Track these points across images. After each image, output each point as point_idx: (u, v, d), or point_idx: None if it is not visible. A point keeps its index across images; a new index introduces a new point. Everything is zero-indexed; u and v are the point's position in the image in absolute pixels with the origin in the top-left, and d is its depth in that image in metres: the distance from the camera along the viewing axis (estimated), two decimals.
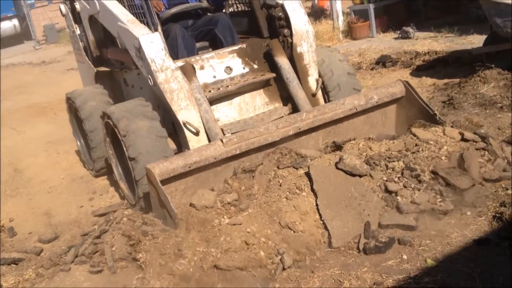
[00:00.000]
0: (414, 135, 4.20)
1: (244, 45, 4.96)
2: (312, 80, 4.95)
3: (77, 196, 5.46)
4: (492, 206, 3.61)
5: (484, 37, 7.42)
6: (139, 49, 4.30)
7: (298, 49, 4.85)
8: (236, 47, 4.93)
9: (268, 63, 4.97)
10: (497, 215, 3.48)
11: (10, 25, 25.49)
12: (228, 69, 4.79)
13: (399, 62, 8.56)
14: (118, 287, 3.44)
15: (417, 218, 3.56)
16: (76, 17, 6.11)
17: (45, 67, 16.39)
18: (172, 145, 4.57)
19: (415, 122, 4.48)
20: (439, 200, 3.67)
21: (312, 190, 3.67)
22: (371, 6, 10.91)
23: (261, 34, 5.12)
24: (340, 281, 3.17)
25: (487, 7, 6.42)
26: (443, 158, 3.90)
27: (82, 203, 5.24)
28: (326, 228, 3.51)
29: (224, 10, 5.71)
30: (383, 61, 8.72)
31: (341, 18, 11.92)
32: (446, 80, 7.11)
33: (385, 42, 10.18)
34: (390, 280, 3.07)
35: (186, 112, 4.35)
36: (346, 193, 3.67)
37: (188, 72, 4.47)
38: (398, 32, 10.36)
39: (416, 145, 4.06)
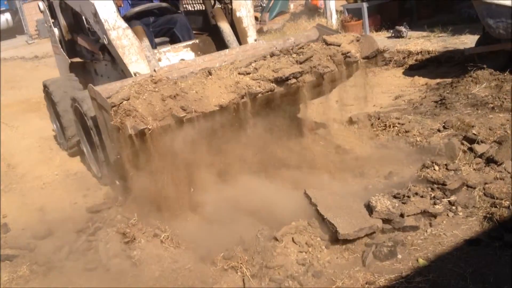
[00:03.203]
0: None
1: (197, 41, 5.54)
2: (251, 41, 5.43)
3: (71, 192, 5.43)
4: (482, 206, 3.66)
5: (476, 37, 7.49)
6: (95, 14, 4.75)
7: (237, 14, 5.43)
8: (190, 42, 5.51)
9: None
10: (488, 215, 3.53)
11: (2, 19, 25.27)
12: (182, 60, 5.13)
13: (392, 61, 8.61)
14: (111, 285, 3.46)
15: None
16: (53, 12, 6.64)
17: (37, 62, 16.29)
18: None
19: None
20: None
21: (311, 203, 3.78)
22: (365, 5, 10.93)
23: (213, 30, 5.62)
24: (333, 280, 3.21)
25: (479, 7, 6.47)
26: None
27: (76, 200, 5.22)
28: (329, 226, 3.55)
29: (180, 9, 6.39)
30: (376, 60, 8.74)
31: (334, 16, 11.94)
32: (438, 80, 7.17)
33: (378, 41, 10.05)
34: (382, 280, 3.12)
35: (137, 65, 4.75)
36: (344, 204, 3.75)
37: (139, 34, 5.00)
38: (391, 31, 10.41)
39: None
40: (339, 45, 4.65)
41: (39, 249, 4.20)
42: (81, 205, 5.07)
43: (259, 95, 4.24)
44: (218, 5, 5.65)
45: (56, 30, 6.72)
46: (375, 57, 4.86)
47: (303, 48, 4.55)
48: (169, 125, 3.88)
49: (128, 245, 3.72)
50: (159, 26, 5.83)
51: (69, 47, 6.66)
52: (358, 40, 4.80)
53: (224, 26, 5.42)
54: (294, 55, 4.49)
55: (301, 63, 4.43)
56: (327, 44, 4.66)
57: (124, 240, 3.76)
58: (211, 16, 5.69)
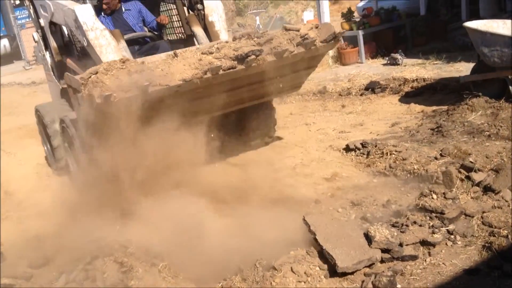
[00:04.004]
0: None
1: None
2: None
3: (68, 219, 5.40)
4: (481, 235, 3.67)
5: (471, 64, 7.57)
6: (76, 20, 5.05)
7: (210, 19, 5.89)
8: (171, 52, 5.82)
9: None
10: (487, 244, 3.53)
11: (0, 45, 25.43)
12: None
13: (388, 88, 8.68)
14: None
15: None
16: (46, 41, 6.88)
17: (35, 88, 16.31)
18: None
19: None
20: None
21: (310, 231, 3.78)
22: (360, 33, 11.06)
23: None
24: None
25: (474, 36, 6.55)
26: None
27: (73, 227, 5.19)
28: (327, 257, 3.53)
29: (164, 38, 6.75)
30: (372, 87, 8.84)
31: None
32: (434, 107, 7.23)
33: (374, 68, 10.32)
34: None
35: None
36: (343, 233, 3.74)
37: (117, 36, 5.29)
38: (387, 58, 10.50)
39: None
40: (298, 30, 5.09)
41: (36, 279, 4.14)
42: (78, 233, 5.02)
43: (221, 71, 4.59)
44: (192, 13, 6.14)
45: (48, 58, 6.95)
46: (333, 40, 5.20)
47: (263, 35, 5.04)
48: (134, 96, 4.20)
49: (125, 275, 3.69)
50: (143, 53, 5.99)
51: (60, 72, 6.81)
52: (317, 27, 5.26)
53: (198, 31, 5.87)
54: (255, 39, 4.97)
55: (261, 45, 4.86)
56: (287, 30, 5.13)
57: (122, 269, 3.73)
58: (185, 23, 6.23)
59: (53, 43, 6.67)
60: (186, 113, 5.04)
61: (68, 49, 6.68)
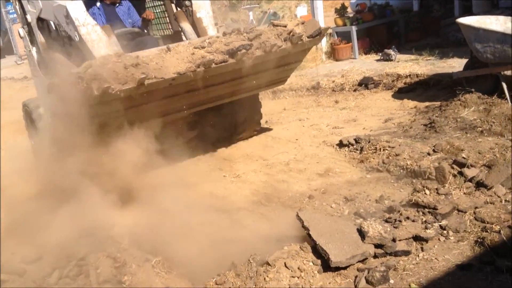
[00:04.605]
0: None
1: None
2: None
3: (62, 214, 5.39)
4: (473, 231, 3.69)
5: (464, 60, 7.60)
6: (67, 16, 5.09)
7: (198, 15, 6.00)
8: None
9: None
10: (479, 240, 3.55)
11: None
12: None
13: (381, 84, 8.71)
14: None
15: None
16: (32, 37, 6.89)
17: (26, 82, 16.23)
18: None
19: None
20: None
21: (303, 226, 3.78)
22: (354, 28, 11.06)
23: None
24: None
25: (467, 32, 6.57)
26: None
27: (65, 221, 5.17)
28: (321, 252, 3.54)
29: (150, 34, 6.90)
30: (365, 83, 8.85)
31: (324, 39, 12.05)
32: (427, 103, 7.24)
33: (367, 64, 10.33)
34: None
35: None
36: (336, 228, 3.74)
37: (107, 31, 5.33)
38: (380, 54, 10.52)
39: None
40: (285, 26, 5.35)
41: (29, 274, 4.13)
42: (71, 229, 5.01)
43: (213, 65, 4.75)
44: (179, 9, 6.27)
45: (35, 54, 6.96)
46: (319, 36, 5.48)
47: (251, 30, 5.24)
48: (131, 89, 4.36)
49: (119, 270, 3.69)
50: (131, 48, 6.00)
51: (47, 67, 6.89)
52: (303, 23, 5.49)
53: (186, 26, 5.98)
54: (245, 34, 5.14)
55: (251, 40, 5.04)
56: (274, 26, 5.39)
57: (115, 264, 3.72)
58: (173, 19, 6.35)
59: (40, 39, 6.70)
60: (173, 108, 5.34)
61: (55, 45, 6.68)
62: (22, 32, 7.03)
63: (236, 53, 4.86)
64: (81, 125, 4.68)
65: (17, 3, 6.93)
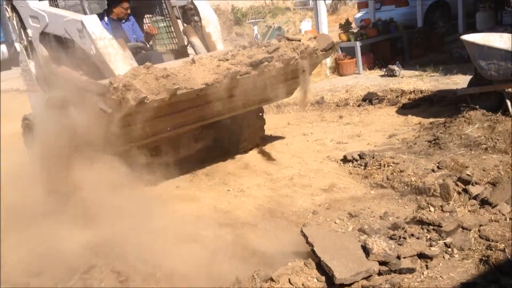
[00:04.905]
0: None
1: None
2: None
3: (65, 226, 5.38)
4: (478, 249, 3.68)
5: (468, 77, 7.61)
6: (82, 30, 5.25)
7: (207, 30, 6.26)
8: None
9: None
10: (484, 258, 3.54)
11: None
12: None
13: (385, 99, 8.72)
14: None
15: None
16: (29, 52, 6.88)
17: None
18: None
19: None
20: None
21: (308, 242, 3.78)
22: (358, 44, 11.12)
23: None
24: None
25: (471, 49, 6.59)
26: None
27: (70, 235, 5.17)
28: (325, 268, 3.53)
29: (154, 48, 7.03)
30: (369, 98, 8.88)
31: None
32: (431, 119, 7.25)
33: (371, 79, 10.36)
34: None
35: (123, 71, 5.00)
36: (341, 244, 3.74)
37: (122, 45, 5.45)
38: (384, 69, 10.55)
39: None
40: (299, 40, 5.62)
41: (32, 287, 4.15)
42: (75, 241, 5.01)
43: (238, 76, 4.97)
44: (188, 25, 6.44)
45: (32, 68, 6.89)
46: (331, 49, 5.87)
47: (269, 44, 5.54)
48: (164, 99, 4.51)
49: (122, 284, 3.69)
50: (137, 63, 6.03)
51: (48, 81, 6.72)
52: (315, 38, 5.85)
53: (195, 41, 6.20)
54: (263, 47, 5.42)
55: (270, 52, 5.31)
56: (289, 40, 5.63)
57: (119, 278, 3.73)
58: (183, 34, 6.48)
59: (44, 53, 6.69)
60: (187, 120, 5.52)
61: (59, 59, 6.65)
62: (19, 47, 7.03)
63: (259, 65, 5.13)
64: (90, 140, 4.75)
65: (14, 18, 6.91)
